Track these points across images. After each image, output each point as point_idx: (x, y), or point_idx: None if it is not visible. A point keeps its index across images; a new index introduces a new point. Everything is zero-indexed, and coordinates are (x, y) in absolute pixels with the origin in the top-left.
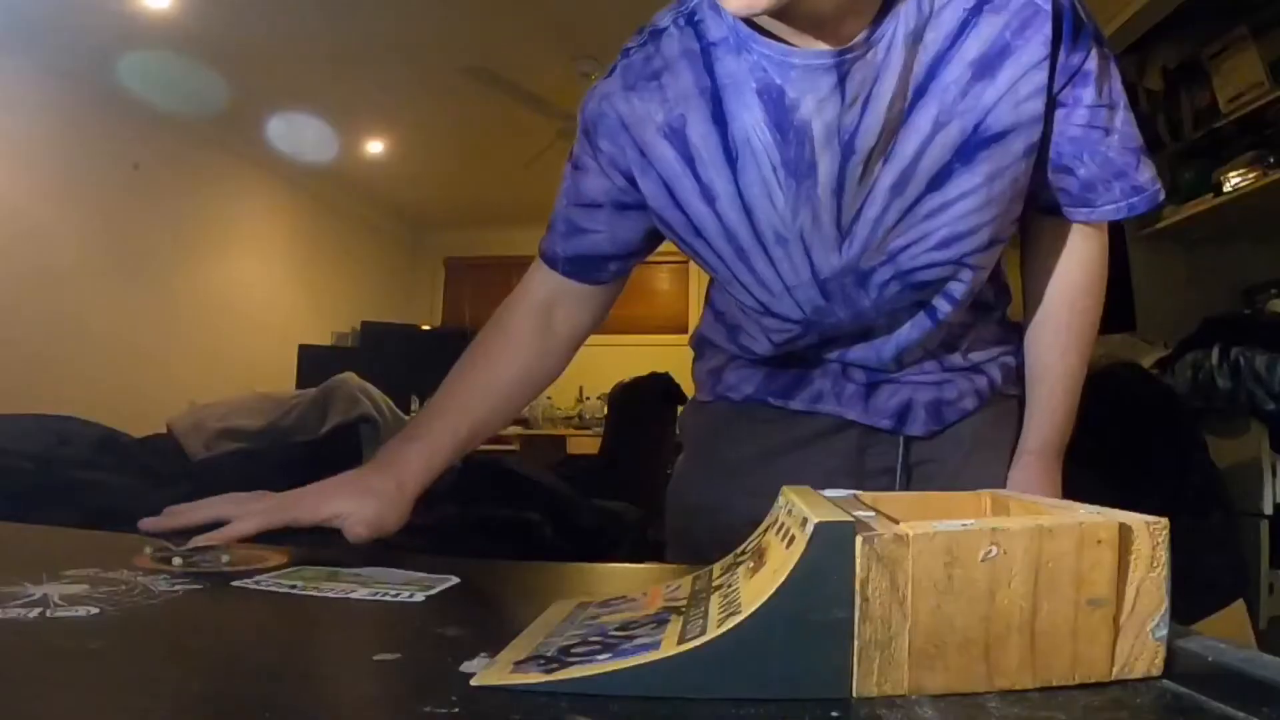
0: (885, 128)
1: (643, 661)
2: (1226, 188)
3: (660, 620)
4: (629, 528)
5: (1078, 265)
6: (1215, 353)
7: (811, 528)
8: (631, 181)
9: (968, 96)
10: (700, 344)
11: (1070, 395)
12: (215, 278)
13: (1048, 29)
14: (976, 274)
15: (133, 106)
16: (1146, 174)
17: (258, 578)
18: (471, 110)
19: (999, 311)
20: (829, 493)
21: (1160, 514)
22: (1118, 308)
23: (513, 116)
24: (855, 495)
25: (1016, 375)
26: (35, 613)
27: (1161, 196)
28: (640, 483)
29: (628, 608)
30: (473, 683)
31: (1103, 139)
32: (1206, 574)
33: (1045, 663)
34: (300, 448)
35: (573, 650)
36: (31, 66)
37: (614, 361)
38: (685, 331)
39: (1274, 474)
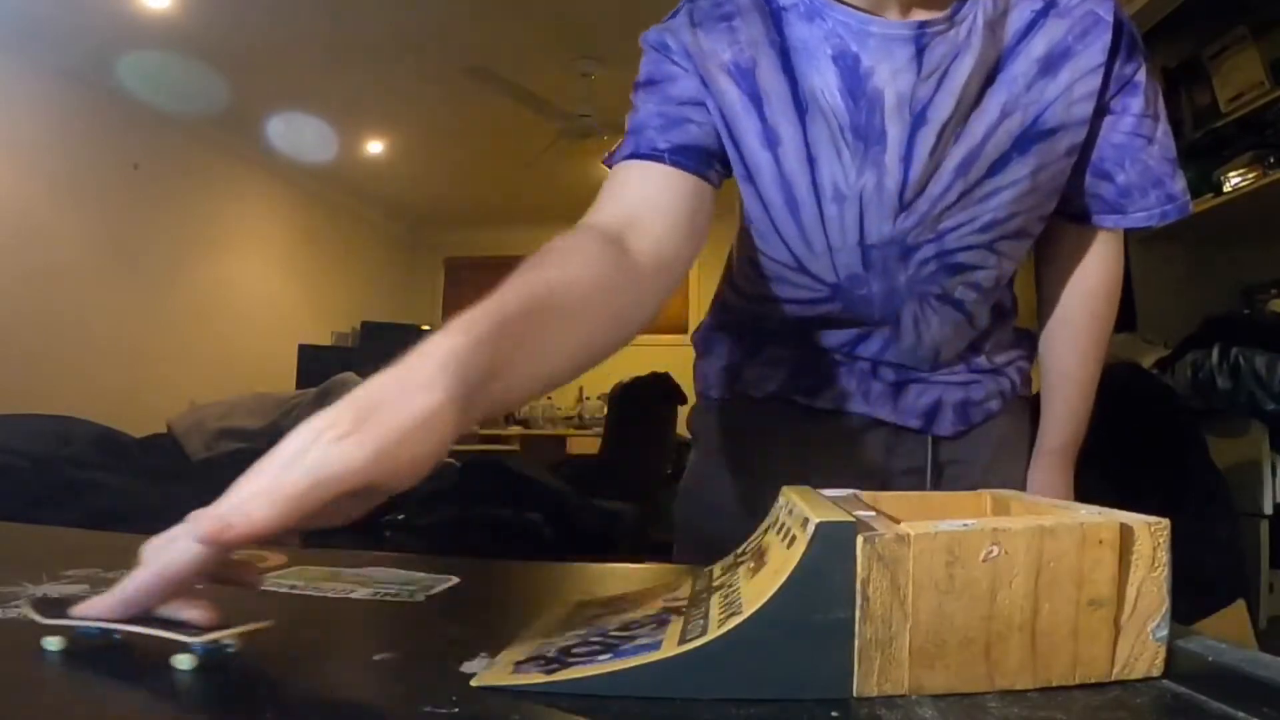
0: (960, 105)
1: (643, 662)
2: (1226, 188)
3: (661, 620)
4: (629, 528)
5: (1097, 272)
6: (1215, 353)
7: (813, 528)
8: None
9: (1031, 90)
10: (708, 341)
11: (1087, 399)
12: (215, 278)
13: (1107, 38)
14: (1002, 264)
15: (133, 106)
16: (1180, 184)
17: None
18: (472, 110)
19: (1013, 318)
20: (829, 492)
21: (1160, 514)
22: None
23: (513, 116)
24: (855, 495)
25: (1030, 378)
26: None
27: (1190, 208)
28: (640, 483)
29: (628, 608)
30: (473, 683)
31: (1144, 147)
32: (1206, 574)
33: (1046, 663)
34: None
35: (573, 651)
36: (31, 66)
37: (614, 361)
38: (685, 331)
39: (1274, 474)
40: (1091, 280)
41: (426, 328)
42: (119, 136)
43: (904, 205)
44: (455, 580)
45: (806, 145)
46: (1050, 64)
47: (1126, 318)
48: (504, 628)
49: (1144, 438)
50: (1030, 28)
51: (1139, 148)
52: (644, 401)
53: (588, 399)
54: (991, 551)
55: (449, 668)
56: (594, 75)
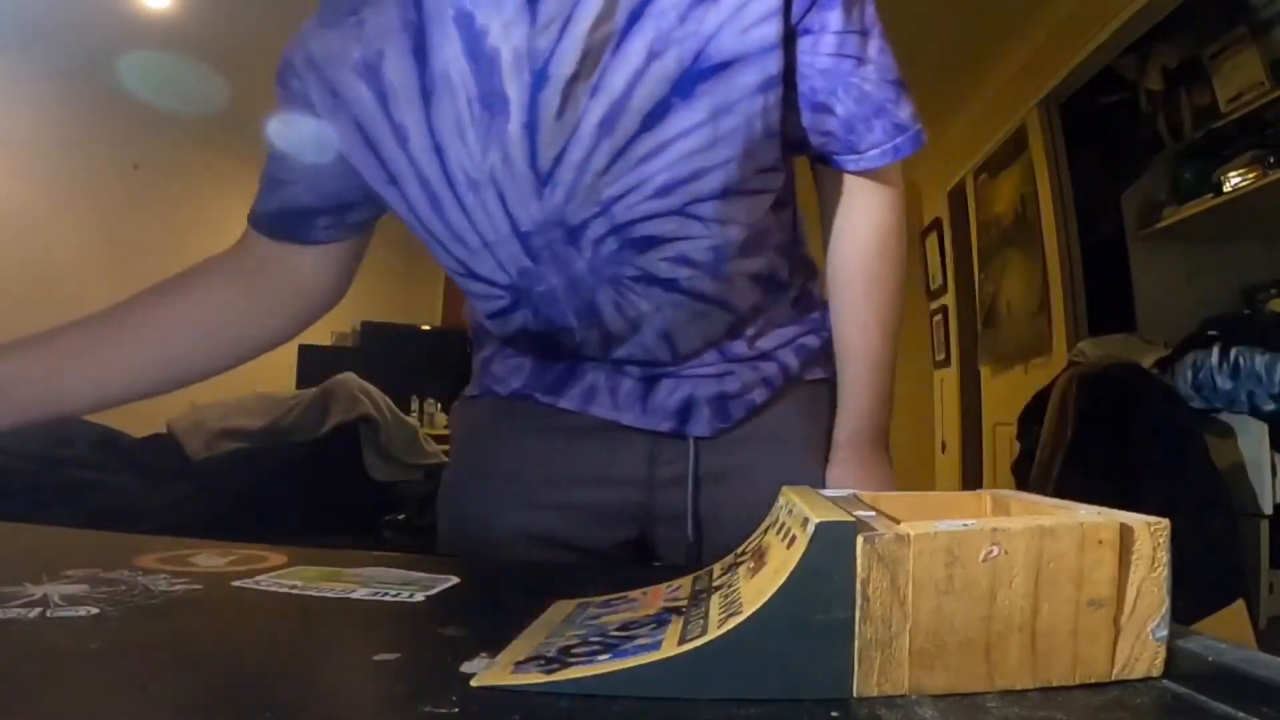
0: (587, 54)
1: (643, 662)
2: (1226, 188)
3: (661, 620)
4: None
5: (865, 224)
6: (1215, 353)
7: (813, 528)
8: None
9: (687, 22)
10: (475, 331)
11: (877, 375)
12: None
13: None
14: (715, 231)
15: (133, 106)
16: (906, 110)
17: (258, 578)
18: None
19: (794, 290)
20: (829, 493)
21: (1160, 514)
22: (1118, 308)
23: None
24: (855, 495)
25: (825, 356)
26: (35, 613)
27: (924, 137)
28: None
29: (628, 608)
30: (473, 683)
31: (856, 69)
32: (1206, 574)
33: (1046, 663)
34: (300, 448)
35: (573, 650)
36: (31, 66)
37: None
38: None
39: (1274, 474)
40: (861, 235)
41: (426, 327)
42: (119, 136)
43: (544, 180)
44: (455, 580)
45: (431, 133)
46: None
47: (1126, 318)
48: (504, 628)
49: (1144, 438)
50: None
51: (849, 70)
52: None
53: None
54: (991, 551)
55: (449, 668)
56: None
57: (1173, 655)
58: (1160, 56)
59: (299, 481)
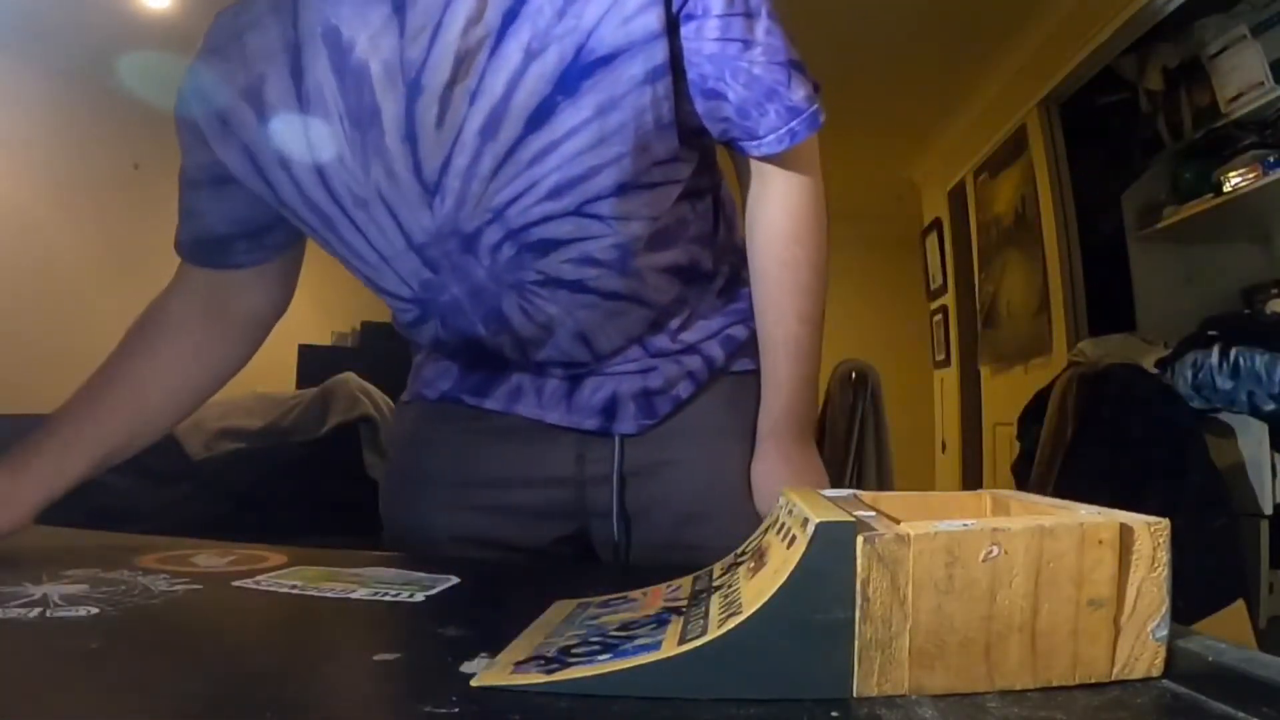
0: (462, 59)
1: (643, 662)
2: (1226, 188)
3: (661, 620)
4: None
5: (781, 210)
6: (1215, 353)
7: (813, 528)
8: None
9: (565, 18)
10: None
11: (798, 365)
12: None
13: None
14: (617, 229)
15: (133, 106)
16: (801, 90)
17: (258, 578)
18: None
19: (720, 280)
20: (829, 492)
21: (1160, 514)
22: (1118, 308)
23: None
24: (855, 495)
25: (754, 347)
26: (35, 613)
27: (822, 117)
28: None
29: (628, 608)
30: (473, 683)
31: (743, 52)
32: (1206, 574)
33: (1046, 663)
34: (300, 448)
35: (573, 650)
36: (31, 66)
37: None
38: None
39: (1274, 474)
40: (775, 221)
41: None
42: (119, 136)
43: (432, 190)
44: (455, 580)
45: (313, 153)
46: None
47: (1126, 318)
48: (504, 628)
49: (1144, 437)
50: None
51: (736, 54)
52: None
53: None
54: (991, 552)
55: (449, 668)
56: None
57: (1173, 655)
58: (1160, 56)
59: (299, 481)
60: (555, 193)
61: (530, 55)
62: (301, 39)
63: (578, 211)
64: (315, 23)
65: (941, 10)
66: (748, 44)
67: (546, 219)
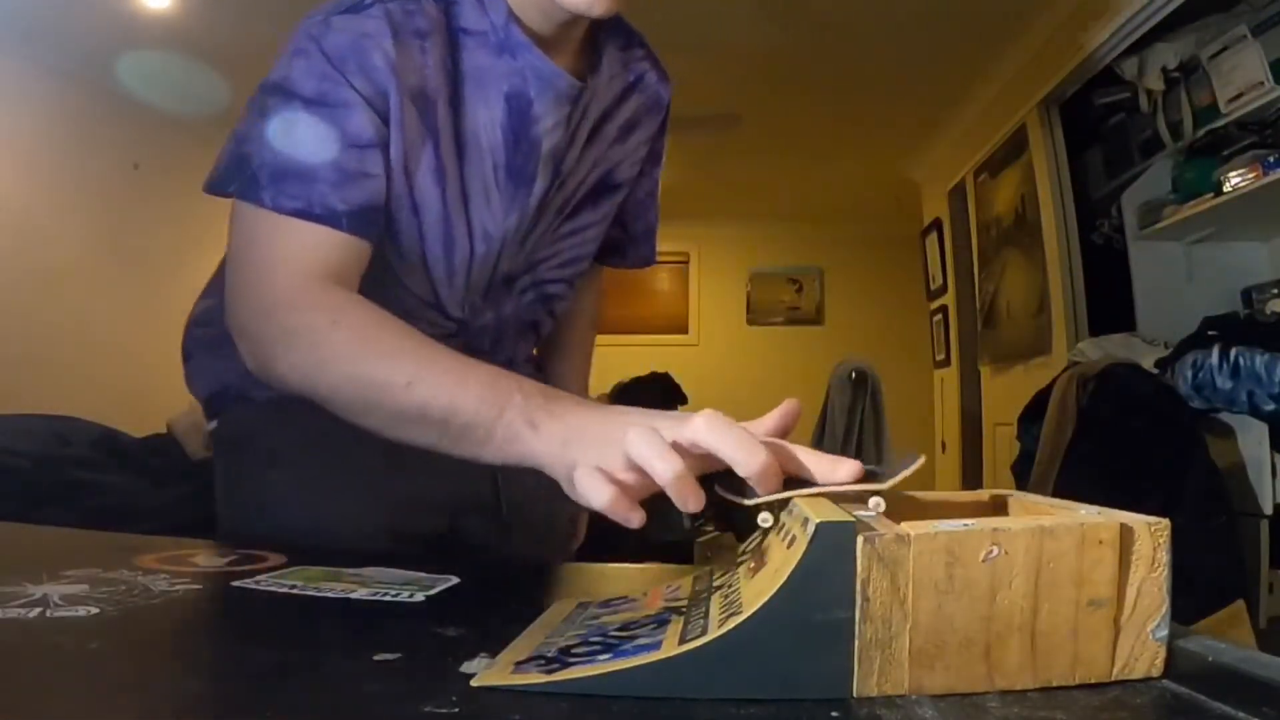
0: (579, 161)
1: (644, 662)
2: (1226, 188)
3: (661, 620)
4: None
5: (593, 303)
6: (1215, 353)
7: (813, 528)
8: (387, 125)
9: (611, 150)
10: (217, 342)
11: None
12: None
13: (662, 116)
14: (568, 296)
15: (133, 106)
16: (655, 238)
17: (258, 578)
18: None
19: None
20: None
21: (1160, 514)
22: (1118, 308)
23: None
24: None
25: None
26: (35, 613)
27: (655, 261)
28: None
29: (628, 608)
30: (473, 683)
31: (652, 206)
32: (1206, 574)
33: (1046, 663)
34: None
35: (573, 651)
36: (32, 66)
37: (614, 361)
38: (685, 331)
39: (1274, 474)
40: (591, 310)
41: None
42: (119, 136)
43: (523, 242)
44: (455, 580)
45: (463, 183)
46: (625, 131)
47: (1126, 318)
48: (504, 628)
49: (1144, 437)
50: (621, 98)
51: (649, 206)
52: (643, 401)
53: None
54: (991, 552)
55: (449, 668)
56: None
57: (1173, 655)
58: (1160, 56)
59: None
60: (566, 264)
61: (591, 168)
62: (463, 76)
63: (569, 280)
64: (499, 79)
65: (941, 10)
66: (654, 201)
67: (558, 280)
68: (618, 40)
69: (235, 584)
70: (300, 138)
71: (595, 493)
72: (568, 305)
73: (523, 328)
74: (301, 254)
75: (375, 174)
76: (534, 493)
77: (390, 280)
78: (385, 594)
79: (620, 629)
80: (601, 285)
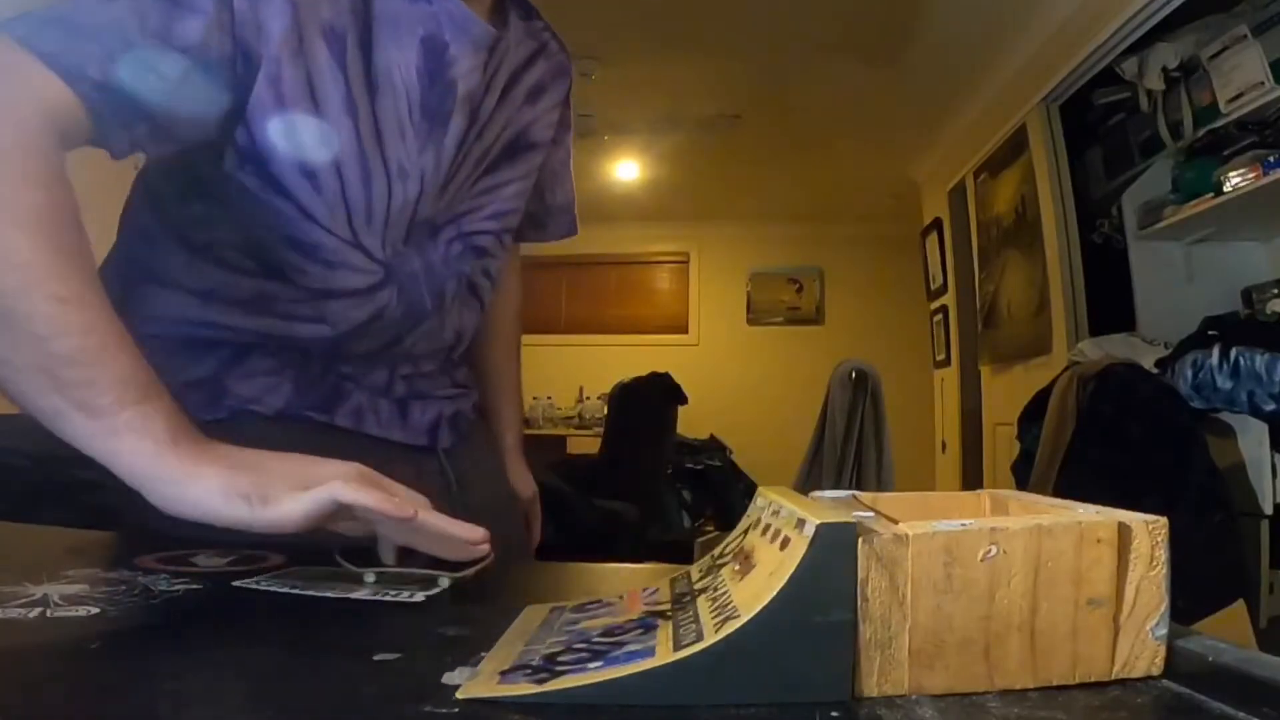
0: (496, 109)
1: (641, 669)
2: (1226, 188)
3: (646, 626)
4: (629, 528)
5: (516, 287)
6: (1215, 353)
7: (813, 529)
8: (238, 60)
9: (522, 112)
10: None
11: (521, 396)
12: None
13: (567, 84)
14: (502, 258)
15: None
16: (574, 209)
17: (258, 578)
18: None
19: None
20: (829, 494)
21: (1160, 514)
22: (1118, 308)
23: None
24: (854, 495)
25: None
26: (35, 613)
27: (577, 228)
28: (640, 483)
29: (606, 613)
30: (459, 695)
31: (568, 177)
32: (1206, 574)
33: (1045, 662)
34: None
35: (559, 659)
36: None
37: (614, 361)
38: (685, 331)
39: (1274, 474)
40: (515, 296)
41: None
42: None
43: (443, 185)
44: (455, 580)
45: (375, 120)
46: (534, 93)
47: (1126, 318)
48: (504, 628)
49: (1144, 437)
50: (529, 61)
51: (565, 177)
52: (644, 401)
53: (587, 398)
54: (990, 551)
55: (449, 668)
56: (594, 75)
57: (1173, 655)
58: (1160, 56)
59: None
60: (493, 217)
61: (505, 125)
62: (375, 19)
63: (498, 233)
64: (413, 23)
65: (941, 10)
66: (569, 171)
67: (484, 232)
68: (520, 9)
69: (235, 584)
70: (118, 13)
71: (356, 494)
72: (500, 266)
73: (463, 291)
74: (28, 100)
75: (169, 77)
76: (478, 501)
77: (309, 223)
78: (385, 594)
79: (603, 635)
80: (516, 273)
